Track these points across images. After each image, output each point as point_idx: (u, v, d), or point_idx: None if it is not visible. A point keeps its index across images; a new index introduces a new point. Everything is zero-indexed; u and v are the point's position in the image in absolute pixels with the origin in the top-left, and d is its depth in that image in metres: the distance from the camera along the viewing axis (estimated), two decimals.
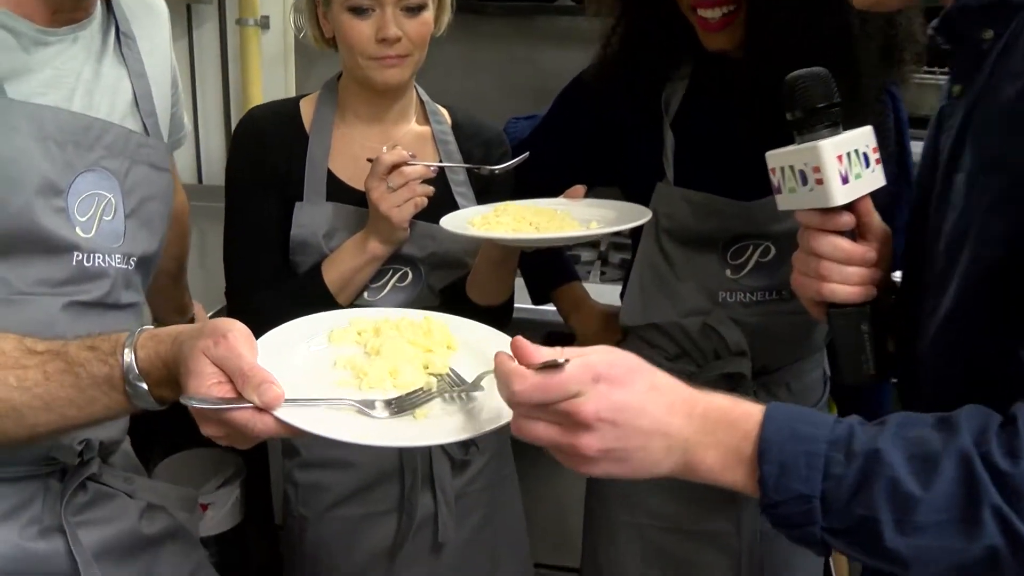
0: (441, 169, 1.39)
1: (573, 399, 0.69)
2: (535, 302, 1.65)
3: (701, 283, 1.37)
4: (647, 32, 1.33)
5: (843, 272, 0.89)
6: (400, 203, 1.25)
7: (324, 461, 1.41)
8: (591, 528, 1.57)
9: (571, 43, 2.52)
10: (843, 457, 0.69)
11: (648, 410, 0.71)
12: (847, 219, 0.89)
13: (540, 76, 2.52)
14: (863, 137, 0.88)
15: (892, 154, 1.32)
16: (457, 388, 0.85)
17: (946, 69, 1.93)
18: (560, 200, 1.33)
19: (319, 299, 1.31)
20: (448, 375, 0.87)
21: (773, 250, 1.34)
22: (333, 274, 1.31)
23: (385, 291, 1.37)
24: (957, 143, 0.81)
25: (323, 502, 1.41)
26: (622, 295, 1.54)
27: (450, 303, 1.43)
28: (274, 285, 1.33)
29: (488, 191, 1.43)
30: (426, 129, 1.43)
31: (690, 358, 1.40)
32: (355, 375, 0.87)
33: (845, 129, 0.89)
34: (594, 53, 1.41)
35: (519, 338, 0.73)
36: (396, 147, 1.28)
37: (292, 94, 2.61)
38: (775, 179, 0.93)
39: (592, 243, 2.38)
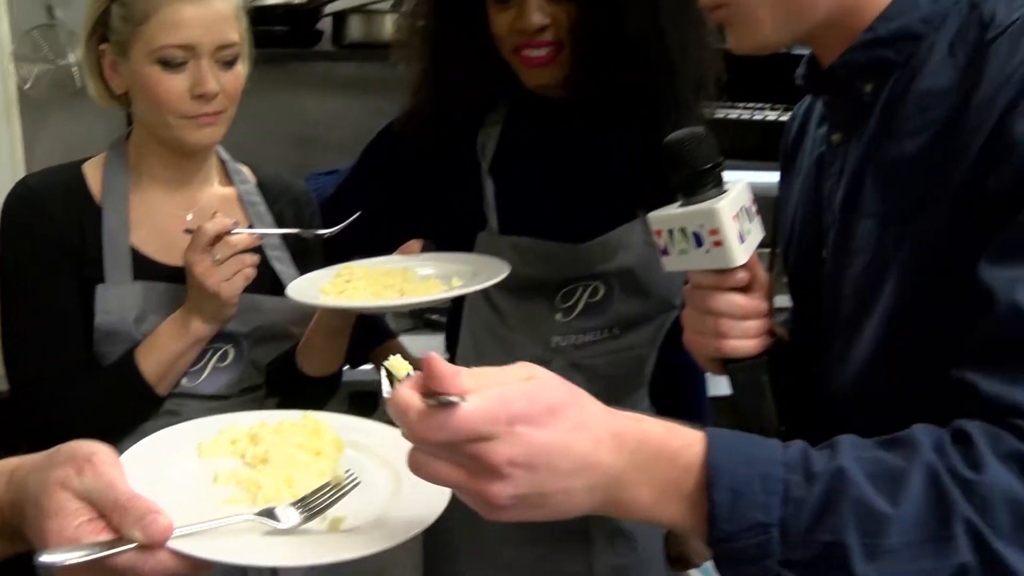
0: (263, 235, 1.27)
1: (482, 442, 0.60)
2: (351, 365, 1.55)
3: (533, 330, 1.34)
4: (459, 78, 1.29)
5: (742, 327, 0.87)
6: (229, 276, 1.12)
7: None
8: None
9: (333, 89, 2.45)
10: (802, 479, 0.64)
11: (571, 450, 0.63)
12: (743, 276, 0.86)
13: (302, 124, 2.43)
14: (745, 192, 0.88)
15: None
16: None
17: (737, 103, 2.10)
18: (400, 257, 1.25)
19: (135, 392, 1.14)
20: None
21: (602, 289, 1.34)
22: (151, 362, 1.15)
23: (205, 374, 1.22)
24: (852, 190, 0.84)
25: None
26: (447, 347, 1.49)
27: (277, 378, 1.31)
28: (79, 381, 1.14)
29: (304, 253, 1.32)
30: (231, 191, 1.30)
31: None
32: (246, 490, 0.75)
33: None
34: (403, 101, 1.35)
35: (433, 356, 0.61)
36: (216, 214, 1.15)
37: (20, 157, 2.30)
38: (661, 241, 0.90)
39: None
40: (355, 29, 2.22)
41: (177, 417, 0.86)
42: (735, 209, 0.83)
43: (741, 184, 0.88)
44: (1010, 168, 0.68)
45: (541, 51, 1.21)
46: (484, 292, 1.32)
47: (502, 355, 1.34)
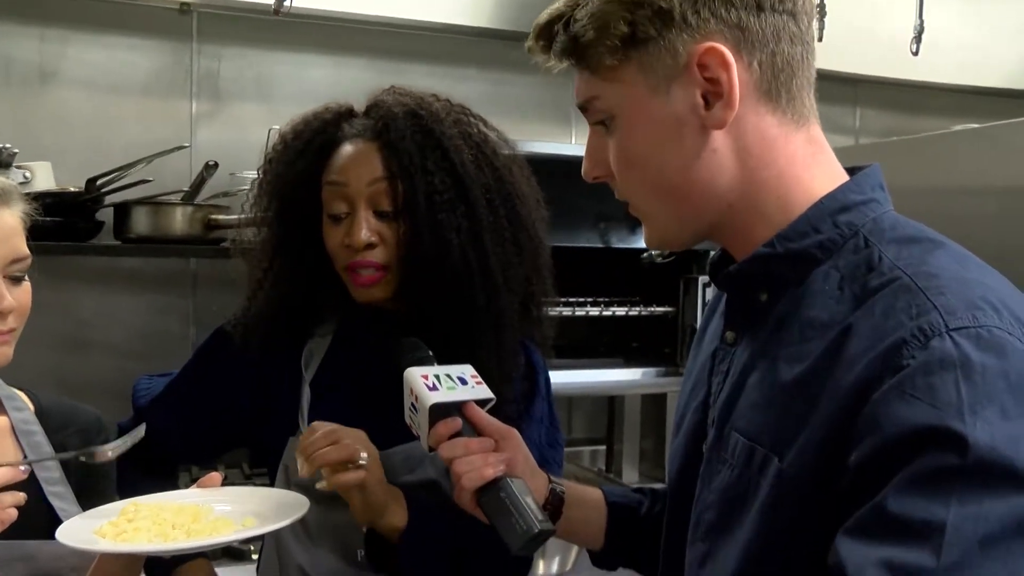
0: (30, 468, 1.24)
1: None
2: None
3: (339, 543, 1.37)
4: (293, 288, 1.41)
5: (470, 462, 1.11)
6: None
7: None
8: None
9: (114, 286, 2.44)
10: None
11: None
12: (455, 422, 1.14)
13: (75, 325, 2.39)
14: (458, 368, 1.21)
15: (523, 395, 1.48)
16: None
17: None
18: (195, 491, 1.26)
19: None
20: None
21: None
22: None
23: None
24: (732, 395, 0.94)
25: None
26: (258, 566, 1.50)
27: None
28: None
29: (92, 484, 1.31)
30: (2, 420, 1.29)
31: None
32: None
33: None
34: (240, 306, 1.46)
35: None
36: None
37: None
38: (414, 430, 1.19)
39: None
40: (141, 222, 2.25)
41: None
42: (426, 372, 1.18)
43: (464, 365, 1.22)
44: (873, 449, 0.76)
45: (369, 271, 1.35)
46: None
47: (308, 566, 1.37)
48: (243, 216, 1.52)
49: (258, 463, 1.47)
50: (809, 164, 0.92)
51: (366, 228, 1.34)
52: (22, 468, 1.14)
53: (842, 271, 0.87)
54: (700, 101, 0.88)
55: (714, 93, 0.87)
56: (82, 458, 1.23)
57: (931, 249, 0.86)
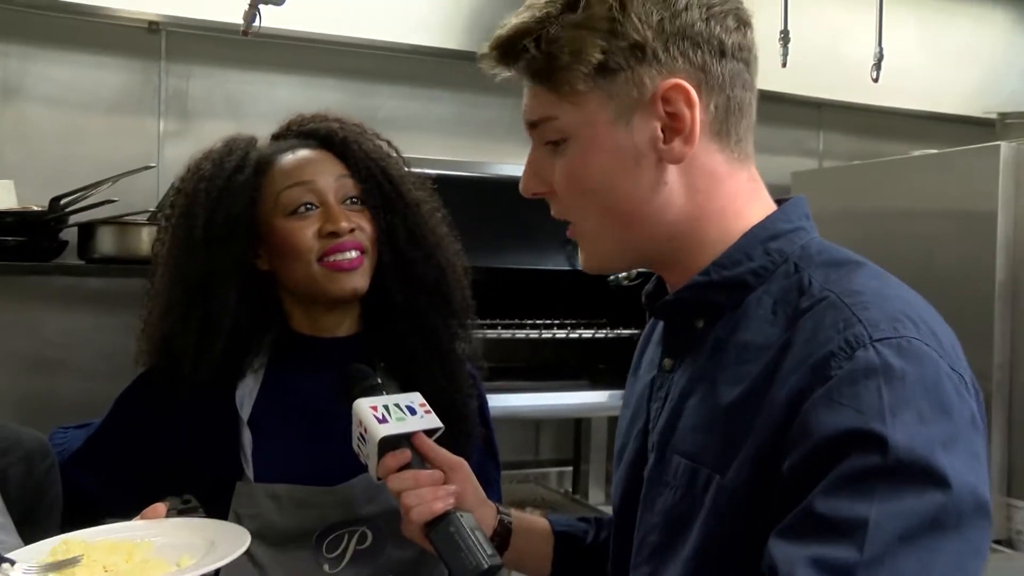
0: None
1: None
2: None
3: None
4: (225, 321, 1.36)
5: (419, 495, 1.14)
6: None
7: None
8: None
9: (78, 306, 2.41)
10: None
11: None
12: (404, 454, 1.17)
13: (40, 345, 2.36)
14: (407, 397, 1.23)
15: (479, 434, 1.48)
16: None
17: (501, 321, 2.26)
18: (137, 524, 1.22)
19: None
20: None
21: (370, 535, 1.38)
22: None
23: None
24: (672, 419, 0.97)
25: None
26: None
27: None
28: None
29: (34, 517, 1.28)
30: None
31: None
32: None
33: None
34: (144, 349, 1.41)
35: None
36: None
37: None
38: (362, 459, 1.20)
39: None
40: (106, 242, 2.22)
41: None
42: (375, 403, 1.19)
43: (411, 393, 1.24)
44: (803, 455, 0.80)
45: (352, 254, 1.35)
46: None
47: None
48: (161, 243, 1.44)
49: (209, 511, 1.41)
50: (749, 199, 0.96)
51: (344, 213, 1.36)
52: None
53: (775, 296, 0.91)
54: (660, 135, 0.91)
55: (673, 128, 0.91)
56: None
57: (854, 269, 0.91)
